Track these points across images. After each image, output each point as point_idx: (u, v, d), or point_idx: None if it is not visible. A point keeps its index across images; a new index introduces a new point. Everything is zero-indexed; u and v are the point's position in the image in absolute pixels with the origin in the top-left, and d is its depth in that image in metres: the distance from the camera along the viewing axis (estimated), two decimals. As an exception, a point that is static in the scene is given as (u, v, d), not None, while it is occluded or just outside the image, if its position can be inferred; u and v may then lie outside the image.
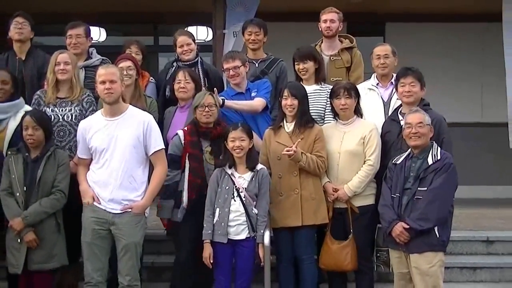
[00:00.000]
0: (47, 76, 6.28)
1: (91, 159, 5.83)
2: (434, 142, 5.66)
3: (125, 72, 6.30)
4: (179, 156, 6.08)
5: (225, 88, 7.03)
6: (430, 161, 5.50)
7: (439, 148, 5.62)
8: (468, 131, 10.30)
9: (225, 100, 6.20)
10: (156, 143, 5.77)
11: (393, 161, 5.74)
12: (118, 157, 5.68)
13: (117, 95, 5.69)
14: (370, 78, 6.79)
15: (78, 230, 5.77)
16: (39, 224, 5.74)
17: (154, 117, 6.11)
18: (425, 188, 5.45)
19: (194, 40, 7.13)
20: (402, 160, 5.65)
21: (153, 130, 5.78)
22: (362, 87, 6.58)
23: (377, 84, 6.64)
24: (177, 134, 6.21)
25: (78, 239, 5.75)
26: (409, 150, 5.65)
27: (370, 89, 6.60)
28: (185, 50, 6.99)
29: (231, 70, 6.59)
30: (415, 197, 5.49)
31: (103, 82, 5.64)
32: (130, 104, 5.99)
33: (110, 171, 5.68)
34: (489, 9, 9.92)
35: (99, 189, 5.71)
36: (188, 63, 6.97)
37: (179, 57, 7.05)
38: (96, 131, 5.75)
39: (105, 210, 5.66)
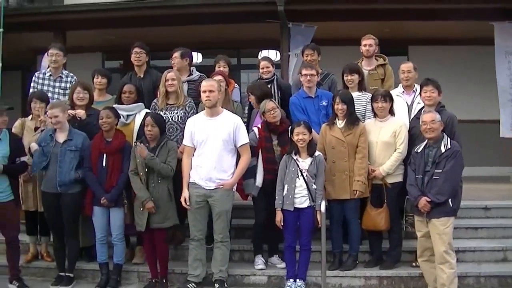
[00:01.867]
0: (160, 88, 7.51)
1: (193, 148, 7.00)
2: (445, 134, 6.57)
3: (219, 85, 7.30)
4: (254, 146, 7.22)
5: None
6: (442, 149, 6.46)
7: (449, 139, 6.53)
8: (472, 126, 11.28)
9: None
10: (243, 138, 6.96)
11: (415, 150, 6.69)
12: (213, 147, 6.88)
13: (214, 101, 6.90)
14: (397, 87, 7.90)
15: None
16: (156, 195, 6.91)
17: (240, 117, 7.26)
18: (440, 170, 6.41)
19: (272, 64, 8.18)
20: (422, 149, 6.58)
21: (241, 129, 6.96)
22: (392, 93, 7.53)
23: (403, 92, 7.70)
24: (253, 130, 7.39)
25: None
26: (426, 141, 6.61)
27: (397, 95, 7.54)
28: (265, 71, 8.09)
29: (308, 76, 7.59)
30: (433, 177, 6.45)
31: (205, 92, 6.87)
32: (221, 107, 7.18)
33: (207, 158, 6.88)
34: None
35: (200, 170, 6.92)
36: (267, 80, 8.07)
37: (261, 75, 8.17)
38: (199, 127, 6.96)
39: (203, 187, 6.92)
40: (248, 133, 7.25)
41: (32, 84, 8.38)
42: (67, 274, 7.35)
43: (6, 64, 9.48)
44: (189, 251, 7.16)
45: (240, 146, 6.98)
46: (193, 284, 7.06)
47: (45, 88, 8.26)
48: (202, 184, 6.93)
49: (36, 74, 8.45)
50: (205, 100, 6.91)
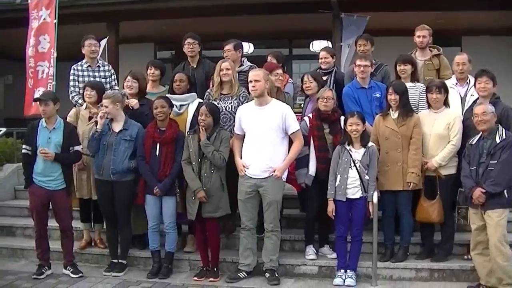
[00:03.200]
0: (214, 78, 7.57)
1: (242, 136, 7.12)
2: (499, 125, 6.50)
3: (278, 77, 7.61)
4: (305, 135, 7.21)
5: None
6: (498, 140, 6.37)
7: (504, 130, 6.45)
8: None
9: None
10: (293, 125, 6.98)
11: (469, 142, 6.63)
12: (263, 136, 6.92)
13: (261, 90, 6.94)
14: (451, 78, 7.81)
15: (236, 189, 7.08)
16: (209, 185, 6.96)
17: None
18: (495, 161, 6.32)
19: (332, 55, 8.29)
20: (476, 141, 6.53)
21: (290, 116, 6.98)
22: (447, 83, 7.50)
23: (456, 84, 7.61)
24: (303, 120, 7.46)
25: (236, 195, 7.08)
26: (480, 133, 6.54)
27: (450, 87, 7.41)
28: (323, 61, 8.22)
29: (362, 67, 7.61)
30: (488, 168, 6.36)
31: (251, 81, 6.95)
32: (273, 97, 7.23)
33: (258, 146, 6.93)
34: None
35: (250, 159, 6.97)
36: (325, 71, 8.22)
37: (320, 66, 8.25)
38: (249, 115, 7.03)
39: (254, 177, 6.95)
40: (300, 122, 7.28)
41: (71, 77, 8.53)
42: (120, 260, 7.51)
43: (60, 55, 9.64)
44: (240, 240, 7.24)
45: (291, 133, 7.02)
46: (244, 273, 7.14)
47: (86, 79, 8.41)
48: (253, 173, 6.98)
49: (74, 66, 8.58)
50: (251, 90, 7.01)
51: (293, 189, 7.65)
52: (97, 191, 7.51)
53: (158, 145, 7.21)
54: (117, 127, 7.31)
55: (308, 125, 7.33)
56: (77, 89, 8.38)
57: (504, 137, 6.43)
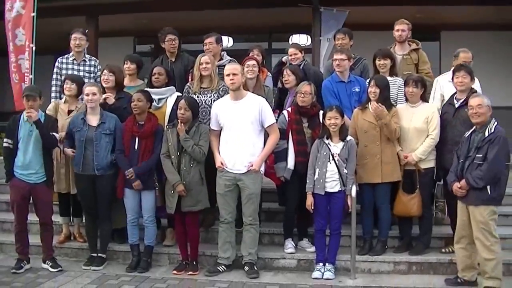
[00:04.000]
0: (194, 72, 7.56)
1: (218, 131, 7.09)
2: (493, 118, 6.40)
3: (250, 69, 7.54)
4: (284, 129, 7.24)
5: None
6: (486, 134, 6.30)
7: (495, 124, 6.34)
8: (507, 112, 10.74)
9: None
10: (269, 119, 7.01)
11: (464, 136, 6.55)
12: (240, 130, 6.95)
13: (238, 84, 6.97)
14: (449, 71, 7.57)
15: (215, 182, 7.10)
16: (188, 178, 6.96)
17: (270, 101, 7.38)
18: (481, 155, 6.26)
19: (301, 50, 8.26)
20: (469, 135, 6.48)
21: (266, 110, 7.01)
22: (444, 78, 7.75)
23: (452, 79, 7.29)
24: (282, 113, 7.46)
25: (215, 189, 7.09)
26: (474, 126, 6.46)
27: (449, 81, 7.39)
28: (293, 58, 8.18)
29: (337, 60, 7.66)
30: (474, 161, 6.33)
31: (228, 75, 6.95)
32: (253, 92, 7.29)
33: (237, 140, 6.94)
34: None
35: (229, 154, 6.98)
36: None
37: (289, 62, 8.21)
38: (225, 110, 7.03)
39: (232, 171, 6.98)
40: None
41: (55, 70, 8.51)
42: (99, 254, 7.49)
43: (39, 49, 9.56)
44: (218, 234, 7.25)
45: (267, 126, 7.04)
46: (223, 266, 7.16)
47: (70, 72, 8.36)
48: (231, 168, 7.01)
49: (59, 59, 8.55)
50: (229, 83, 7.00)
51: (272, 182, 7.65)
52: (77, 186, 7.47)
53: (137, 139, 7.20)
54: (94, 120, 7.26)
55: (287, 118, 7.34)
56: (58, 82, 8.35)
57: (493, 131, 6.36)
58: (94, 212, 7.41)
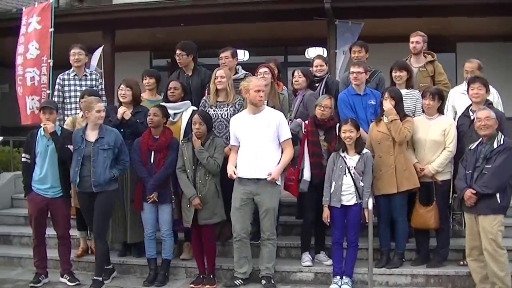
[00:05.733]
0: (210, 86, 7.62)
1: (238, 147, 7.06)
2: (500, 131, 6.51)
3: (262, 76, 7.54)
4: (297, 135, 7.31)
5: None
6: (495, 145, 6.38)
7: (503, 136, 6.46)
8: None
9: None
10: (286, 134, 7.01)
11: (468, 148, 6.63)
12: (257, 144, 6.93)
13: (264, 99, 7.05)
14: (462, 83, 7.76)
15: (231, 195, 7.07)
16: (204, 191, 6.98)
17: (285, 109, 7.51)
18: (490, 166, 6.33)
19: (326, 63, 8.40)
20: (475, 146, 6.53)
21: (283, 124, 7.02)
22: (456, 90, 7.82)
23: (466, 91, 7.28)
24: (296, 121, 7.49)
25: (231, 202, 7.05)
26: (481, 138, 6.52)
27: (462, 93, 7.49)
28: (318, 69, 8.29)
29: (355, 73, 7.63)
30: (483, 172, 6.38)
31: (258, 91, 6.94)
32: (268, 99, 7.32)
33: (253, 154, 6.92)
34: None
35: (245, 167, 6.96)
36: (318, 78, 8.29)
37: (314, 73, 8.29)
38: (243, 124, 7.04)
39: (249, 178, 6.91)
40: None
41: (56, 86, 8.56)
42: (106, 267, 7.49)
43: (56, 64, 9.65)
44: (234, 250, 7.22)
45: (283, 141, 7.03)
46: (240, 280, 7.14)
47: (73, 88, 8.45)
48: (248, 175, 6.97)
49: (60, 75, 8.59)
50: (258, 99, 6.99)
51: (289, 196, 7.62)
52: (80, 204, 7.41)
53: (152, 153, 7.24)
54: (92, 136, 7.11)
55: (304, 130, 7.37)
56: (61, 99, 8.43)
57: (502, 143, 6.45)
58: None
